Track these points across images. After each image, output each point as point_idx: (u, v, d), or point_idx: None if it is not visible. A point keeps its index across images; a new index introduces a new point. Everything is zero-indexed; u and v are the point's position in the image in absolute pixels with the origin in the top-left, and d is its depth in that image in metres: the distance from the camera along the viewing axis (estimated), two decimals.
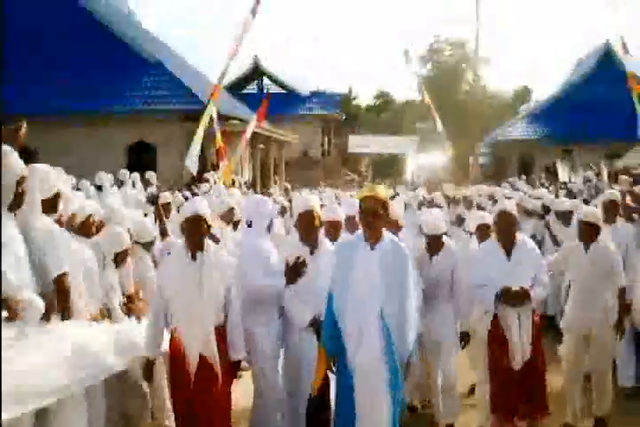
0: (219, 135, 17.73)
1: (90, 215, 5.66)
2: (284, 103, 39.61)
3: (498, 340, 5.85)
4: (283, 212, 11.65)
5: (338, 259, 5.11)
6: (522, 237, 6.06)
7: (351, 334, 4.93)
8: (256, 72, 44.77)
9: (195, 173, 15.81)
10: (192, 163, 14.80)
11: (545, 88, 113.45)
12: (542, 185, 19.53)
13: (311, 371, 5.32)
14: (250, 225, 5.99)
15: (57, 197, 4.91)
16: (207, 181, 17.70)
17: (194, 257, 5.12)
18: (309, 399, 5.42)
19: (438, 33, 38.51)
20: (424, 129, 45.66)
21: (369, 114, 66.63)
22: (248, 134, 19.25)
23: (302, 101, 43.56)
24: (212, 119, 16.01)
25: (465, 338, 6.37)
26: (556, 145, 32.22)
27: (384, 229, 5.07)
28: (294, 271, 5.61)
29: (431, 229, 6.42)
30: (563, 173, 20.41)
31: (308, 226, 5.75)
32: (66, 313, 4.58)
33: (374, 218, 4.93)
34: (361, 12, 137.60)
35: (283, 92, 43.83)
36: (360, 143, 37.70)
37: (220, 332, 5.16)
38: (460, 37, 38.32)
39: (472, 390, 6.97)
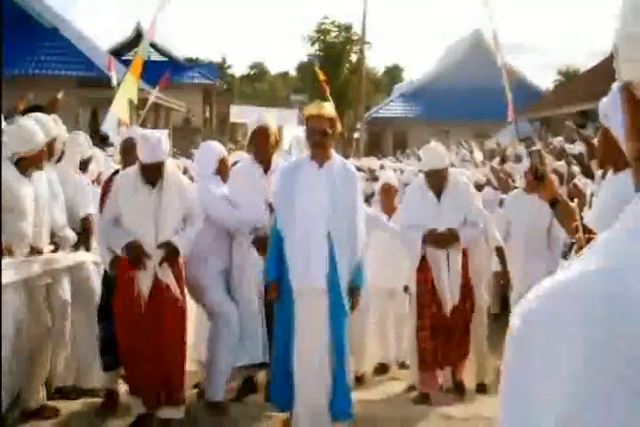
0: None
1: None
2: (165, 70, 39.62)
3: (425, 284, 5.66)
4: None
5: (282, 180, 4.93)
6: (454, 179, 5.82)
7: (297, 258, 4.72)
8: (138, 38, 44.41)
9: (113, 138, 16.33)
10: (112, 128, 15.36)
11: (417, 68, 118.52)
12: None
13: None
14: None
15: (89, 159, 6.13)
16: (112, 145, 18.26)
17: (153, 185, 4.90)
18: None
19: (326, 14, 40.32)
20: (299, 101, 46.92)
21: (243, 84, 67.18)
22: (148, 104, 20.09)
23: (183, 69, 43.69)
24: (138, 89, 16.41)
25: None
26: (430, 124, 34.39)
27: (332, 150, 4.97)
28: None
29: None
30: None
31: (261, 142, 5.53)
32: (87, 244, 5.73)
33: (323, 136, 4.79)
34: None
35: (164, 59, 43.81)
36: (242, 113, 38.38)
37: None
38: (346, 21, 40.48)
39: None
